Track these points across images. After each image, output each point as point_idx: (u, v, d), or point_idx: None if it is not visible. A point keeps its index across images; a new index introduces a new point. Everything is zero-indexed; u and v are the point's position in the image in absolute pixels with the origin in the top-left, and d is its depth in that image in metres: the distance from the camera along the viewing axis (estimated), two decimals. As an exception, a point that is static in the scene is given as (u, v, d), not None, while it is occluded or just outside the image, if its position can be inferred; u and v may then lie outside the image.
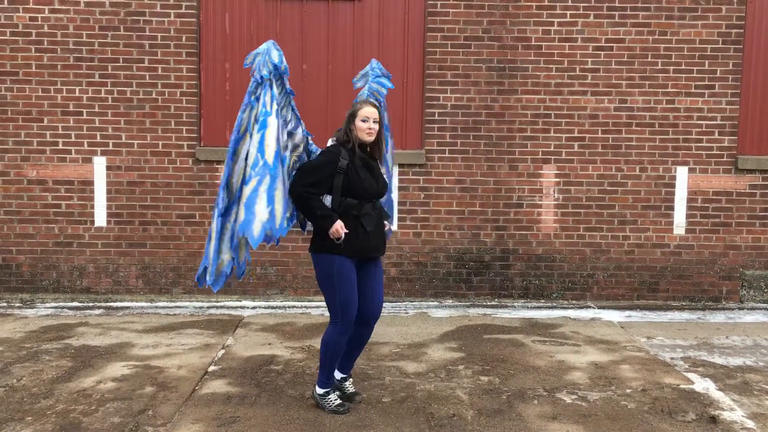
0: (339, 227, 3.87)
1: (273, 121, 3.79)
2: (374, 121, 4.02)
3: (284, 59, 3.88)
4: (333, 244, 3.92)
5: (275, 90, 3.85)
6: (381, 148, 4.16)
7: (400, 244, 7.24)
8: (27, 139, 7.07)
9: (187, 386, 4.52)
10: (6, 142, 7.06)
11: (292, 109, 4.05)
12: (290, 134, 4.05)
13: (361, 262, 4.06)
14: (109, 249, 7.17)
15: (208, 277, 3.98)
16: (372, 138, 4.05)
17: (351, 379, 4.34)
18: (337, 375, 4.26)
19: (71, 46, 7.00)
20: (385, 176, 4.32)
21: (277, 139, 3.80)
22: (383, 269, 7.14)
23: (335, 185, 3.95)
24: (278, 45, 3.95)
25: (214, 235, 3.94)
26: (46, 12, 6.96)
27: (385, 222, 4.24)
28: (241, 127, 3.88)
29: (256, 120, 3.82)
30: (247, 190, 3.77)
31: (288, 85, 4.00)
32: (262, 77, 3.81)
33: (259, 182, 3.75)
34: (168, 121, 7.08)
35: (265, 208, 3.77)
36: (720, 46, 7.15)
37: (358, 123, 4.01)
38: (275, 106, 3.82)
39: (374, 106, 4.07)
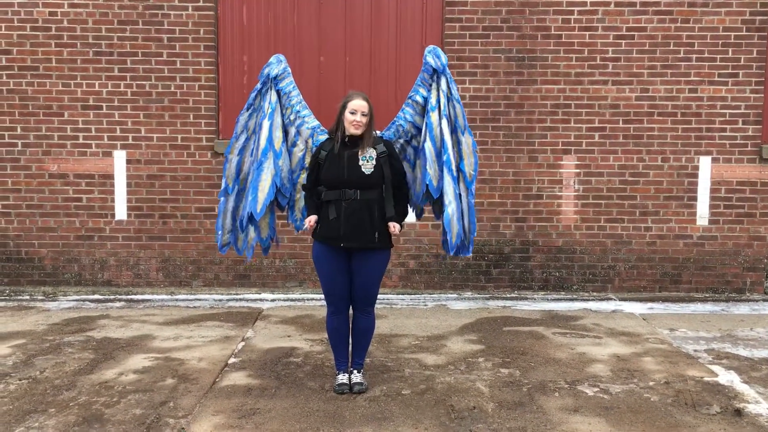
0: (307, 220, 4.25)
1: (265, 123, 4.41)
2: (362, 114, 4.13)
3: (279, 68, 4.46)
4: (314, 229, 4.30)
5: (272, 97, 4.45)
6: (367, 140, 4.18)
7: (419, 237, 7.21)
8: (48, 133, 7.12)
9: (208, 378, 4.54)
10: (27, 137, 7.12)
11: (293, 108, 4.48)
12: (298, 132, 4.52)
13: (350, 252, 4.21)
14: (130, 242, 7.22)
15: (240, 245, 4.70)
16: (359, 131, 4.16)
17: (355, 371, 4.37)
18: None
19: (90, 41, 7.04)
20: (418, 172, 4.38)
21: (268, 138, 4.37)
22: (402, 262, 7.19)
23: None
24: (283, 56, 4.57)
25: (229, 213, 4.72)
26: (66, 7, 7.00)
27: (391, 229, 4.19)
28: (248, 130, 4.58)
29: (257, 123, 4.51)
30: (249, 179, 4.48)
31: (288, 87, 4.48)
32: (256, 89, 4.50)
33: (252, 176, 4.42)
34: (187, 115, 7.11)
35: (251, 196, 4.37)
36: (744, 33, 7.03)
37: (347, 115, 4.16)
38: (269, 110, 4.42)
39: (364, 99, 4.16)
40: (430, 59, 4.32)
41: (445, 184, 4.25)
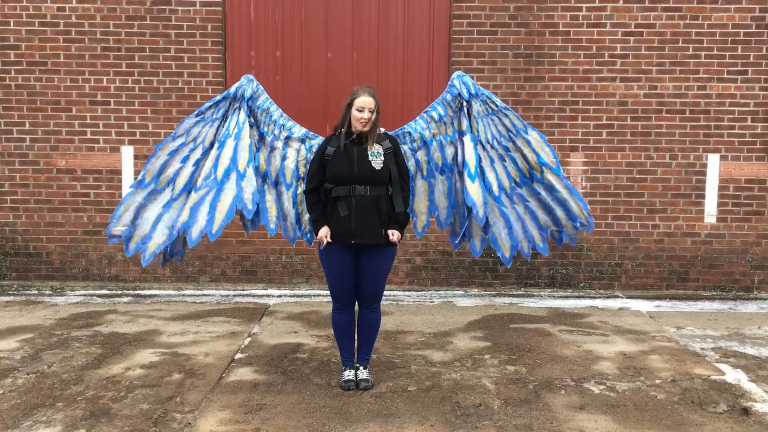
0: (322, 234, 4.15)
1: (229, 143, 4.35)
2: (369, 111, 4.10)
3: (252, 86, 4.40)
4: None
5: (240, 117, 4.38)
6: (373, 136, 4.17)
7: (426, 233, 7.19)
8: (56, 128, 7.15)
9: (214, 374, 4.55)
10: (35, 132, 7.14)
11: (276, 123, 4.45)
12: (287, 144, 4.48)
13: (358, 248, 4.18)
14: (137, 237, 7.23)
15: (132, 246, 4.52)
16: (366, 128, 4.14)
17: (362, 367, 4.37)
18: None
19: (98, 36, 7.05)
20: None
21: (232, 158, 4.32)
22: (408, 258, 7.18)
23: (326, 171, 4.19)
24: (252, 75, 4.51)
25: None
26: (74, 2, 7.01)
27: (392, 238, 4.17)
28: (188, 136, 4.47)
29: (216, 140, 4.41)
30: (195, 197, 4.37)
31: (265, 104, 4.45)
32: (214, 100, 4.43)
33: (207, 193, 4.34)
34: (194, 111, 7.08)
35: (205, 215, 4.33)
36: (753, 30, 6.99)
37: (354, 113, 4.12)
38: (235, 130, 4.36)
39: (371, 95, 4.13)
40: (456, 83, 4.39)
41: (488, 208, 4.42)
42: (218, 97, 4.44)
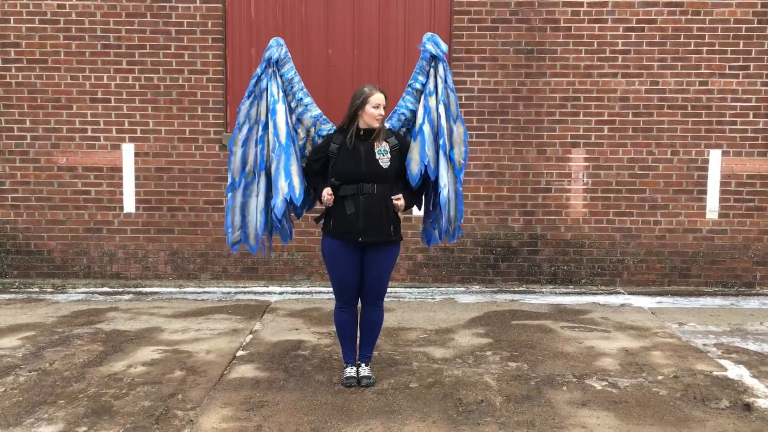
0: (326, 193, 4.14)
1: (280, 107, 4.27)
2: (383, 107, 4.16)
3: (280, 52, 4.30)
4: (326, 224, 4.25)
5: (278, 80, 4.31)
6: (382, 131, 4.19)
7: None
8: (57, 126, 7.14)
9: (216, 371, 4.55)
10: (36, 129, 7.14)
11: (294, 96, 4.37)
12: (299, 120, 4.41)
13: (363, 246, 4.17)
14: (138, 235, 7.24)
15: (252, 242, 4.50)
16: (379, 124, 4.18)
17: (363, 365, 4.37)
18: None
19: (99, 33, 7.04)
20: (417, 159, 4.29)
21: (286, 121, 4.26)
22: (409, 255, 7.18)
23: (329, 167, 4.21)
24: (282, 39, 4.38)
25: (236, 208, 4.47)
26: (74, -1, 7.01)
27: (396, 202, 4.17)
28: (250, 119, 4.34)
29: (268, 109, 4.28)
30: (272, 171, 4.26)
31: (290, 73, 4.34)
32: (256, 74, 4.31)
33: (278, 161, 4.23)
34: (195, 108, 7.11)
35: (284, 181, 4.22)
36: (755, 25, 6.97)
37: (369, 109, 4.14)
38: (281, 93, 4.30)
39: (382, 92, 4.18)
40: (429, 47, 4.31)
41: (441, 167, 4.25)
42: (258, 70, 4.30)
